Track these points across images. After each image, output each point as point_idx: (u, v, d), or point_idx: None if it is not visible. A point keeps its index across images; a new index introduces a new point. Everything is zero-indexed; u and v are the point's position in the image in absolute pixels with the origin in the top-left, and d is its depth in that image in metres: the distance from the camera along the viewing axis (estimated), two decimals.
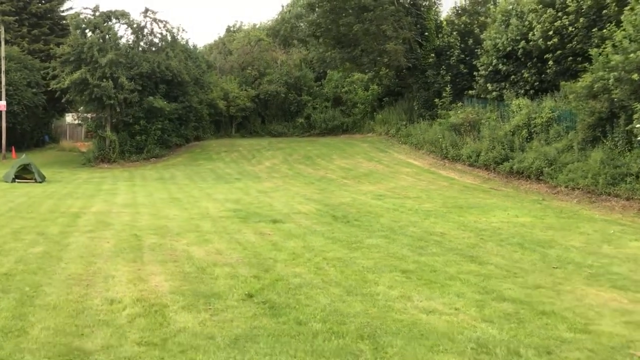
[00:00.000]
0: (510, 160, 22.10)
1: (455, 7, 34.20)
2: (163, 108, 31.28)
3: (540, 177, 20.13)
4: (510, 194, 18.87)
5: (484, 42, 28.37)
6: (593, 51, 19.99)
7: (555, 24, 24.47)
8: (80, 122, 46.77)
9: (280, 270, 8.29)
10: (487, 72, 27.78)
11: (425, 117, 32.38)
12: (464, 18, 32.96)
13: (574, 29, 23.70)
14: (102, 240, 10.15)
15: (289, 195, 18.90)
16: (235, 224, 12.56)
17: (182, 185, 22.73)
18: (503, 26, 27.82)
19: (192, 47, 41.44)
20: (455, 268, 8.66)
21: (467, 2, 34.23)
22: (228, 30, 58.26)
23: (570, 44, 23.81)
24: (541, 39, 24.93)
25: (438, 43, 32.60)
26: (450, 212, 14.75)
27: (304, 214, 14.45)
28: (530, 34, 25.68)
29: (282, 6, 54.17)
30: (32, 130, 42.21)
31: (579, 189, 18.06)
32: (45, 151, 39.97)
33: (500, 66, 27.05)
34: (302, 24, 51.35)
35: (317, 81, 44.28)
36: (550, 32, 24.55)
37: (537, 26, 25.28)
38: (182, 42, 36.64)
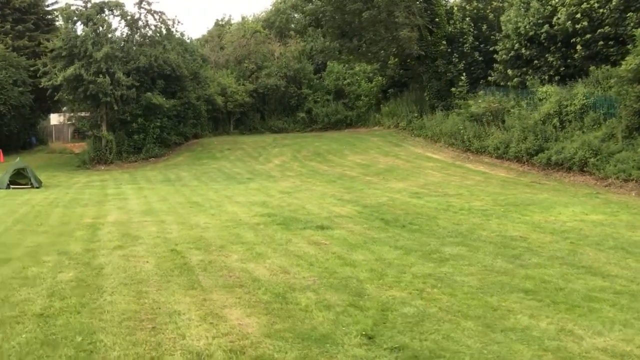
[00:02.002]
0: (546, 151, 20.70)
1: None
2: (162, 105, 29.43)
3: (585, 169, 18.73)
4: (557, 187, 17.44)
5: (505, 26, 26.90)
6: (638, 32, 18.61)
7: (582, 6, 23.09)
8: (72, 121, 44.76)
9: (375, 294, 6.71)
10: (508, 57, 26.35)
11: (437, 108, 30.92)
12: (475, 3, 31.46)
13: (605, 10, 22.33)
14: (138, 259, 8.49)
15: (316, 195, 17.31)
16: (280, 232, 10.96)
17: (193, 187, 21.03)
18: (522, 9, 26.41)
19: (187, 40, 39.41)
20: (580, 284, 7.15)
21: None
22: (217, 23, 56.26)
23: (601, 28, 22.45)
24: (568, 23, 23.56)
25: (450, 30, 31.07)
26: (509, 211, 13.26)
27: (348, 218, 12.89)
28: (554, 18, 24.31)
29: None
30: (19, 132, 39.94)
31: (632, 180, 16.69)
32: (34, 153, 37.85)
33: (523, 50, 25.65)
34: (297, 15, 49.69)
35: (317, 73, 42.57)
36: (578, 15, 23.18)
37: (562, 9, 23.90)
38: (177, 35, 34.67)
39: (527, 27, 25.53)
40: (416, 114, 32.20)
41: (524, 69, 25.94)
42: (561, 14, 23.90)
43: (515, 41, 26.11)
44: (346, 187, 18.98)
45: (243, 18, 52.15)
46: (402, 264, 8.32)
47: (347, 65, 40.62)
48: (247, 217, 13.07)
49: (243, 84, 40.11)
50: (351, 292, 6.81)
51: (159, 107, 29.57)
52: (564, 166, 19.59)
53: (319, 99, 40.57)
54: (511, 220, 12.11)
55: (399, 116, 33.95)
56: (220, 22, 55.83)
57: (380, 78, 38.67)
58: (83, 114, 35.34)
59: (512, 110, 24.52)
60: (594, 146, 18.69)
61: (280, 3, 49.79)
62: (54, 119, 52.92)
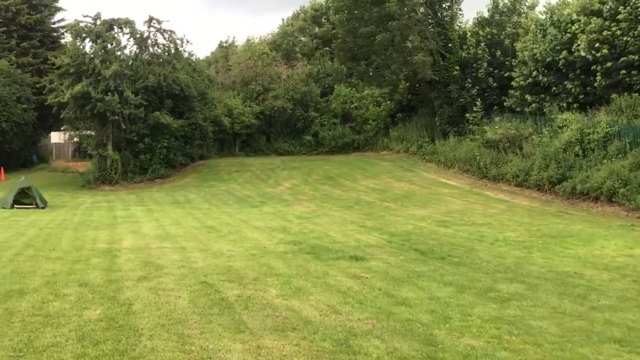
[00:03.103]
0: (570, 179, 20.06)
1: (478, 18, 32.34)
2: (170, 125, 28.75)
3: (613, 199, 18.04)
4: (587, 218, 16.72)
5: (521, 52, 26.48)
6: None
7: (604, 33, 22.67)
8: (73, 140, 44.00)
9: (450, 343, 5.93)
10: (525, 84, 25.87)
11: (449, 133, 30.38)
12: (488, 29, 31.12)
13: (629, 38, 21.88)
14: (168, 293, 7.69)
15: (335, 221, 16.57)
16: (312, 263, 10.18)
17: (205, 210, 20.25)
18: (540, 35, 26.02)
19: (194, 60, 38.90)
20: None
21: (490, 13, 32.40)
22: (220, 45, 56.02)
23: (624, 56, 21.96)
24: (587, 50, 23.13)
25: (463, 55, 30.65)
26: (549, 244, 12.53)
27: (378, 247, 12.14)
28: (574, 45, 23.88)
29: (283, 19, 52.14)
30: (20, 150, 39.13)
31: None
32: (34, 172, 36.95)
33: (540, 77, 25.18)
34: (304, 38, 49.49)
35: (324, 96, 42.06)
36: (598, 44, 22.74)
37: (582, 36, 23.47)
38: (185, 55, 34.16)
39: (543, 53, 25.13)
40: (427, 139, 31.63)
41: (542, 96, 25.45)
42: (581, 41, 23.47)
43: (532, 67, 25.68)
44: (365, 213, 18.25)
45: (248, 40, 51.89)
46: (460, 304, 7.54)
47: (354, 89, 40.16)
48: (271, 245, 12.30)
49: (250, 106, 39.55)
50: (420, 339, 6.02)
51: (166, 127, 28.89)
52: (590, 196, 18.92)
53: (325, 122, 39.98)
54: (555, 254, 11.37)
55: (408, 141, 33.36)
56: (224, 44, 55.57)
57: (388, 102, 38.15)
58: (87, 132, 34.68)
59: (530, 137, 23.98)
60: (623, 176, 18.04)
61: (287, 26, 49.57)
62: (55, 137, 52.25)
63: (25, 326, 5.99)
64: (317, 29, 47.62)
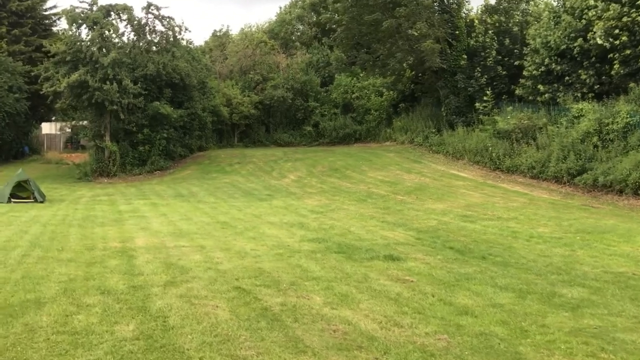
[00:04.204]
0: (590, 171, 19.39)
1: (485, 5, 31.50)
2: (170, 115, 27.75)
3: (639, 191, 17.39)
4: (615, 212, 16.05)
5: (533, 40, 25.72)
6: None
7: (623, 19, 21.96)
8: (65, 131, 42.83)
9: None
10: (538, 72, 25.13)
11: (455, 123, 29.65)
12: (496, 17, 30.32)
13: None
14: (203, 302, 6.88)
15: (353, 216, 15.79)
16: (347, 264, 9.40)
17: (211, 203, 19.40)
18: (552, 23, 25.27)
19: (193, 47, 37.78)
20: None
21: (497, 0, 31.58)
22: (214, 34, 54.80)
23: None
24: (604, 37, 22.42)
25: (471, 43, 29.85)
26: (588, 240, 11.83)
27: (409, 245, 11.37)
28: (589, 32, 23.15)
29: (280, 7, 51.01)
30: (12, 141, 37.90)
31: None
32: (27, 164, 35.73)
33: (554, 66, 24.44)
34: (302, 26, 48.47)
35: (323, 86, 41.16)
36: (617, 31, 22.02)
37: (599, 23, 22.74)
38: (183, 43, 33.06)
39: (557, 40, 24.39)
40: (433, 130, 30.87)
41: (555, 85, 24.74)
42: (597, 28, 22.74)
43: (545, 55, 24.93)
44: (382, 208, 17.48)
45: (243, 29, 50.77)
46: (528, 312, 6.79)
47: (355, 78, 39.27)
48: (295, 243, 11.50)
49: (248, 95, 38.61)
50: (507, 358, 5.25)
51: (166, 118, 27.90)
52: (614, 188, 18.24)
53: (326, 113, 39.14)
54: (600, 252, 10.66)
55: (413, 131, 32.58)
56: (218, 33, 54.36)
57: (390, 92, 37.31)
58: (82, 123, 33.62)
59: (545, 127, 23.28)
60: None
61: (285, 14, 48.51)
62: (46, 127, 50.98)
63: (52, 348, 5.16)
64: (315, 17, 46.53)
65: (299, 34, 48.29)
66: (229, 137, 38.93)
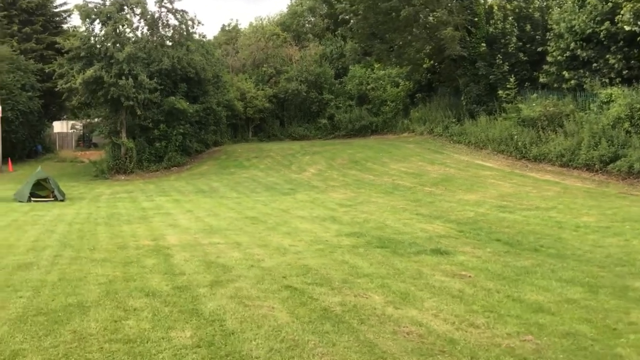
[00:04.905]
0: (623, 158, 18.76)
1: None
2: (186, 110, 27.27)
3: None
4: None
5: (557, 25, 25.00)
6: None
7: None
8: (78, 128, 42.55)
9: None
10: (562, 58, 24.44)
11: (476, 112, 29.01)
12: (516, 2, 29.57)
13: None
14: (256, 303, 6.41)
15: (384, 209, 15.29)
16: (395, 259, 8.91)
17: (235, 199, 18.95)
18: (577, 6, 24.54)
19: (206, 41, 37.24)
20: None
21: None
22: (223, 29, 54.23)
23: None
24: (632, 21, 21.69)
25: (490, 30, 29.15)
26: (638, 229, 11.27)
27: (453, 238, 10.87)
28: (617, 15, 22.42)
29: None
30: (25, 140, 37.61)
31: None
32: (41, 162, 35.30)
33: (579, 51, 23.73)
34: (314, 18, 47.84)
35: (337, 78, 40.53)
36: None
37: (628, 5, 22.02)
38: (196, 37, 32.52)
39: (582, 25, 23.67)
40: (453, 119, 30.25)
41: (581, 71, 24.04)
42: (625, 10, 22.02)
43: (569, 40, 24.22)
44: (412, 200, 16.96)
45: (251, 23, 50.18)
46: (607, 308, 6.28)
47: (370, 69, 38.63)
48: (332, 238, 11.02)
49: (262, 89, 38.07)
50: None
51: (182, 113, 27.44)
52: None
53: (341, 105, 38.51)
54: None
55: (432, 122, 31.93)
56: (227, 28, 53.81)
57: (407, 82, 36.66)
58: (94, 120, 33.27)
59: (572, 114, 22.64)
60: None
61: (297, 6, 47.86)
62: (57, 126, 50.78)
63: (108, 358, 4.69)
64: (327, 9, 45.88)
65: (310, 26, 47.65)
66: (244, 131, 38.45)
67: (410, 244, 10.21)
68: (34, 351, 4.80)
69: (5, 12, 36.63)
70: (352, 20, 31.30)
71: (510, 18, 28.75)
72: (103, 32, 26.03)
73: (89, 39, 25.61)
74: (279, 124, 39.60)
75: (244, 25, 52.74)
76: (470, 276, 7.86)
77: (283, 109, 39.70)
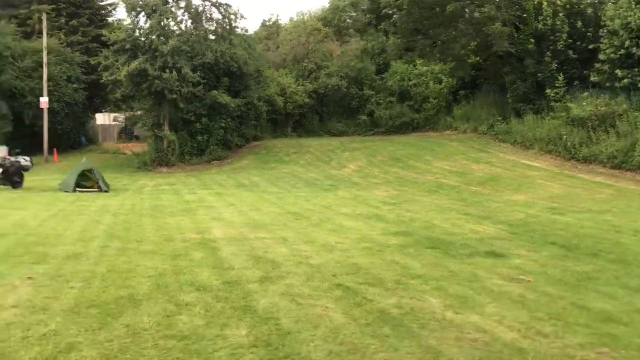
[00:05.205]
0: None
1: None
2: (228, 104, 27.32)
3: None
4: None
5: (612, 21, 24.08)
6: None
7: None
8: (118, 121, 43.22)
9: None
10: (616, 56, 23.53)
11: (522, 111, 28.25)
12: None
13: None
14: (308, 301, 6.21)
15: (429, 208, 14.95)
16: (448, 261, 8.59)
17: (275, 193, 18.85)
18: (633, 2, 23.60)
19: (248, 35, 37.29)
20: None
21: None
22: (263, 24, 54.22)
23: None
24: None
25: (539, 26, 28.30)
26: None
27: (506, 240, 10.49)
28: None
29: None
30: (70, 131, 38.34)
31: None
32: (85, 154, 35.94)
33: (634, 49, 22.81)
34: (355, 13, 47.47)
35: (378, 74, 40.07)
36: None
37: None
38: (238, 31, 32.51)
39: (638, 22, 22.75)
40: (499, 118, 29.55)
41: (635, 69, 23.11)
42: None
43: (624, 38, 23.30)
44: (458, 199, 16.56)
45: (292, 19, 50.05)
46: None
47: (412, 65, 38.05)
48: (378, 236, 10.76)
49: (302, 84, 37.93)
50: None
51: (224, 107, 27.51)
52: None
53: (381, 101, 38.05)
54: None
55: (476, 120, 31.26)
56: (267, 23, 53.81)
57: (449, 79, 36.00)
58: (137, 113, 33.64)
59: (625, 114, 21.80)
60: None
61: (339, 1, 47.54)
62: (100, 118, 51.74)
63: (164, 356, 4.54)
64: (369, 3, 45.38)
65: (351, 21, 47.30)
66: (283, 126, 38.40)
67: (461, 245, 9.87)
68: (89, 345, 4.69)
69: (54, 6, 37.35)
70: (395, 15, 30.63)
71: (560, 14, 27.85)
72: (148, 24, 26.26)
73: (134, 32, 25.84)
74: (318, 120, 39.42)
75: (284, 21, 52.86)
76: (529, 281, 7.50)
77: (322, 104, 39.51)
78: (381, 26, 37.65)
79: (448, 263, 8.45)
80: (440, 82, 36.34)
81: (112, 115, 52.01)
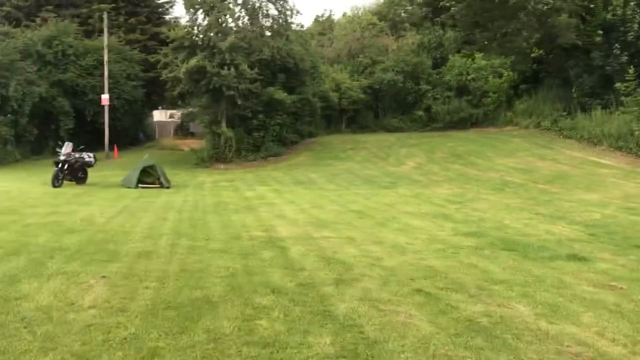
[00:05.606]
0: None
1: None
2: (284, 101, 27.24)
3: None
4: None
5: None
6: None
7: None
8: (174, 118, 43.95)
9: None
10: None
11: (588, 106, 27.07)
12: None
13: None
14: (389, 307, 5.90)
15: (498, 207, 14.39)
16: (528, 265, 8.10)
17: (333, 190, 18.62)
18: None
19: (304, 31, 37.18)
20: None
21: None
22: (316, 20, 54.03)
23: None
24: None
25: (608, 17, 26.98)
26: None
27: (586, 242, 9.87)
28: None
29: None
30: (129, 128, 39.26)
31: None
32: (144, 150, 36.73)
33: None
34: (411, 7, 46.68)
35: (435, 68, 39.21)
36: None
37: None
38: (294, 27, 32.39)
39: None
40: (563, 113, 28.42)
41: None
42: None
43: None
44: (526, 198, 15.89)
45: (345, 14, 49.67)
46: None
47: (470, 59, 37.06)
48: (449, 237, 10.33)
49: (357, 80, 37.51)
50: None
51: (280, 103, 27.47)
52: None
53: (438, 96, 37.21)
54: None
55: (539, 115, 30.21)
56: (320, 19, 53.59)
57: (510, 73, 34.89)
58: (192, 110, 34.04)
59: None
60: None
61: None
62: (156, 115, 52.85)
63: None
64: None
65: (407, 15, 46.53)
66: (337, 122, 38.12)
67: (539, 247, 9.35)
68: (172, 351, 4.53)
69: (113, 5, 38.22)
70: (453, 8, 29.86)
71: (631, 3, 26.50)
72: (206, 21, 26.43)
73: (193, 29, 26.08)
74: (372, 116, 38.94)
75: (337, 17, 52.49)
76: (622, 288, 6.96)
77: (377, 100, 38.97)
78: (438, 19, 36.86)
79: (529, 267, 7.98)
80: (500, 76, 35.32)
81: (169, 112, 53.06)
